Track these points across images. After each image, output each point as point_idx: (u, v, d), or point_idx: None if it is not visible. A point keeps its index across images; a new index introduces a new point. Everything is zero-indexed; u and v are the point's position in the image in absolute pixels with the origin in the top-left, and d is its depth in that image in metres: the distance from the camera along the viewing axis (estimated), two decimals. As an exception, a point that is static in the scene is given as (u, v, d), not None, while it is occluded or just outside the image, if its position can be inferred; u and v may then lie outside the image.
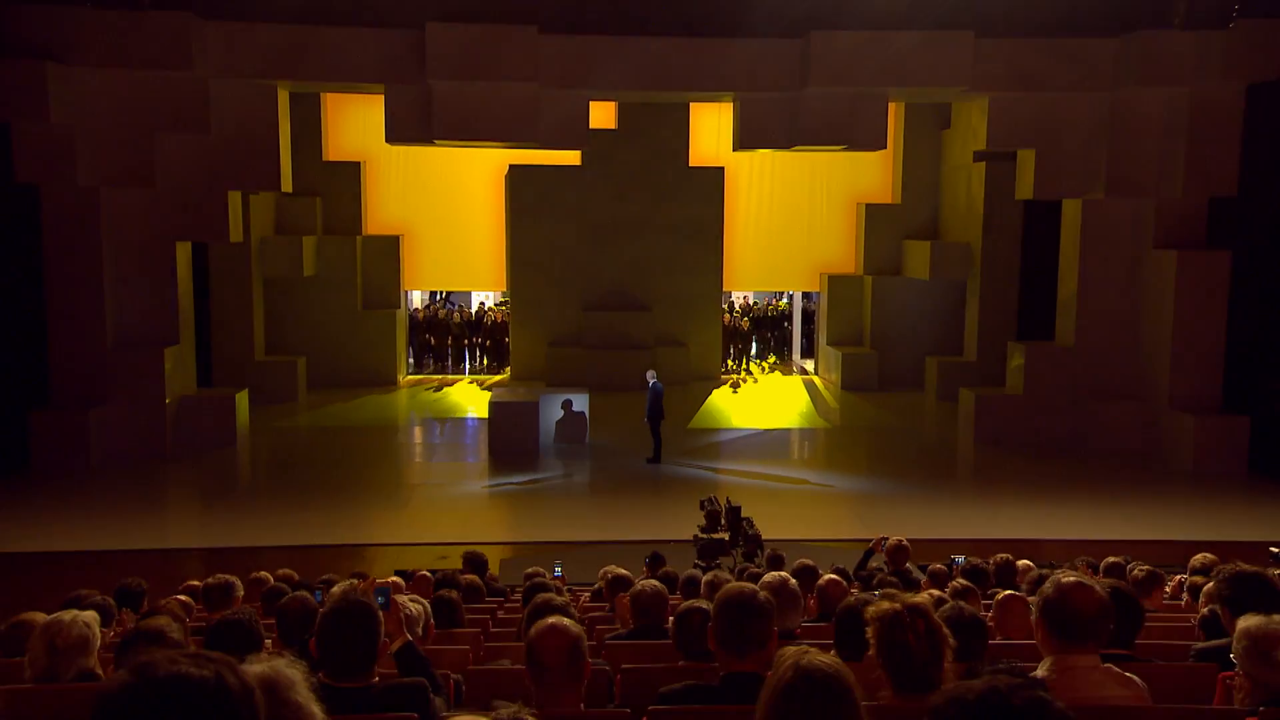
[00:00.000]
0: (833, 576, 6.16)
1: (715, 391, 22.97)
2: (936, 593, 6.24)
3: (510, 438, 17.74)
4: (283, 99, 17.75)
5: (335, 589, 5.32)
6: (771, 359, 26.78)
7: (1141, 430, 17.97)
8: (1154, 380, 17.89)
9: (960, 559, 8.34)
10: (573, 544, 13.48)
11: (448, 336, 24.61)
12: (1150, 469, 17.24)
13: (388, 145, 19.41)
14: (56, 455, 16.37)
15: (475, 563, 8.51)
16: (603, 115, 22.31)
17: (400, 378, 23.52)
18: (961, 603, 4.56)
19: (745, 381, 24.33)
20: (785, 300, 27.94)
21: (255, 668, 2.06)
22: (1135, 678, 3.33)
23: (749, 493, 15.88)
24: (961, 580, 6.96)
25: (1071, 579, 3.46)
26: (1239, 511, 15.11)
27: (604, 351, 22.52)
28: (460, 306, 26.02)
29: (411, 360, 24.74)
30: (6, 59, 15.50)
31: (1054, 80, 17.50)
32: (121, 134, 16.58)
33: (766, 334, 26.98)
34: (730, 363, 25.69)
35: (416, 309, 25.77)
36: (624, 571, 7.23)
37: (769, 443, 19.51)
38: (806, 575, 6.39)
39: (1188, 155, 17.07)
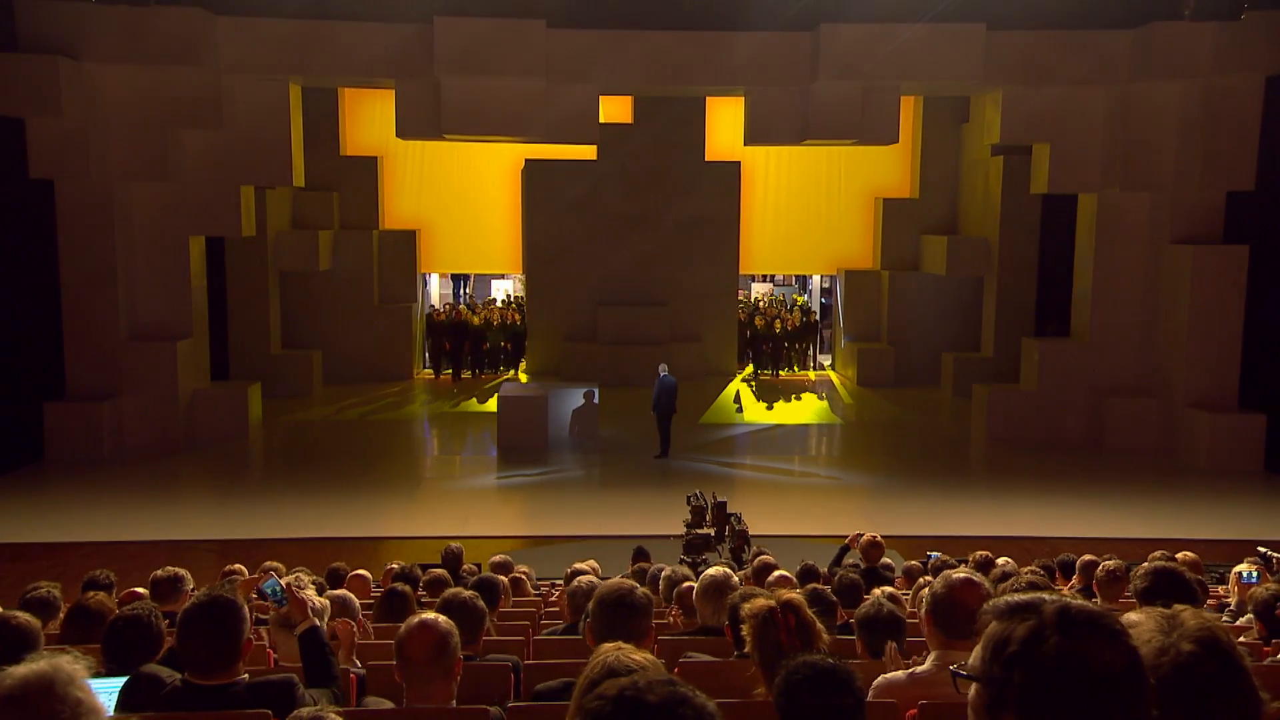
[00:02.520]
0: (782, 573, 6.12)
1: (739, 391, 22.77)
2: (889, 589, 6.19)
3: (520, 432, 17.76)
4: (294, 94, 17.90)
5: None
6: (816, 367, 25.16)
7: (1157, 427, 17.73)
8: (1170, 377, 17.62)
9: (935, 555, 8.28)
10: (570, 538, 13.51)
11: (465, 341, 23.79)
12: (1165, 466, 17.01)
13: (403, 140, 19.50)
14: (70, 446, 16.59)
15: (450, 558, 8.54)
16: (618, 109, 22.28)
17: (416, 372, 23.57)
18: (885, 601, 4.51)
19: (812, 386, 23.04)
20: (805, 296, 27.69)
21: (33, 665, 2.06)
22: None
23: (755, 488, 15.89)
24: (929, 578, 6.90)
25: (961, 575, 3.44)
26: (1254, 510, 14.89)
27: (619, 347, 22.44)
28: (475, 302, 25.59)
29: (428, 363, 24.04)
30: (20, 55, 15.72)
31: (1067, 73, 17.25)
32: (135, 129, 16.78)
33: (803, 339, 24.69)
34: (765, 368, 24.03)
35: (434, 309, 25.26)
36: (583, 566, 7.23)
37: (782, 438, 19.41)
38: (762, 572, 6.35)
39: (1204, 149, 16.78)
